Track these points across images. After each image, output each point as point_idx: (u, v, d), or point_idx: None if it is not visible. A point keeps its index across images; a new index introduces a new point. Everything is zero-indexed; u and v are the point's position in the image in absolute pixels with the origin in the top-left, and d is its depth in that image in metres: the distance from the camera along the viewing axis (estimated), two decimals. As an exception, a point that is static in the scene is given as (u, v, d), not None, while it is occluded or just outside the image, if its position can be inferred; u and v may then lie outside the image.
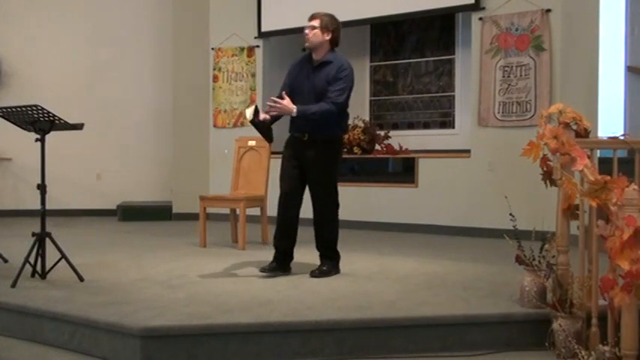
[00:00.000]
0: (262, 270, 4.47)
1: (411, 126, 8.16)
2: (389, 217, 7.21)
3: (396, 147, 7.40)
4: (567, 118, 3.36)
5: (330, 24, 4.36)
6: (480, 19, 6.69)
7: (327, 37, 4.35)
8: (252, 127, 4.45)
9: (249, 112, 4.30)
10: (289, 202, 4.45)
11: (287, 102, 4.21)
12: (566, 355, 3.10)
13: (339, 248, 4.54)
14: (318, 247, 4.51)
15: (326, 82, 4.29)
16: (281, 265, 4.50)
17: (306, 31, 4.39)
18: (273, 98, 4.25)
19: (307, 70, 4.42)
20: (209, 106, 8.52)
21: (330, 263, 4.47)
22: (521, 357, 3.24)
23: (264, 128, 4.38)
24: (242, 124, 8.19)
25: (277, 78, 7.74)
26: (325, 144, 4.35)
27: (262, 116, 4.33)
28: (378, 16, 7.48)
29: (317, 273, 4.39)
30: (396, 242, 6.25)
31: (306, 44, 4.39)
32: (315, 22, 4.36)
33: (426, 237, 6.66)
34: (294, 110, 4.21)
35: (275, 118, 4.41)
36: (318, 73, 4.36)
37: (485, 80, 6.65)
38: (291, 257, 4.59)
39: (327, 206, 4.43)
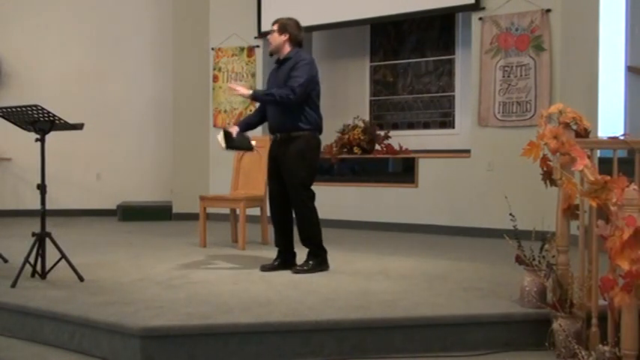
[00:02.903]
0: (262, 268, 4.62)
1: (411, 126, 8.16)
2: (389, 217, 7.21)
3: (396, 147, 7.40)
4: (567, 118, 3.36)
5: (288, 25, 4.61)
6: (480, 19, 6.69)
7: (285, 38, 4.59)
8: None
9: (222, 141, 4.56)
10: (273, 202, 4.70)
11: (239, 88, 4.57)
12: (566, 355, 3.10)
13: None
14: (302, 244, 4.63)
15: (285, 76, 4.49)
16: (282, 263, 4.66)
17: (268, 36, 4.70)
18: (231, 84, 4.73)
19: (274, 70, 4.71)
20: (209, 106, 8.52)
21: (314, 260, 4.58)
22: (521, 357, 3.24)
23: (242, 145, 4.70)
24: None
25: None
26: (294, 142, 4.50)
27: (233, 130, 4.61)
28: (378, 16, 7.48)
29: (298, 269, 4.53)
30: (396, 242, 6.25)
31: (270, 48, 4.70)
32: (274, 27, 4.64)
33: (426, 237, 6.66)
34: (250, 92, 4.56)
35: (245, 128, 4.72)
36: (280, 70, 4.61)
37: (486, 80, 6.65)
38: (293, 254, 4.70)
39: (297, 205, 4.55)
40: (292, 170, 4.49)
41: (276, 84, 4.56)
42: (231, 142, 4.58)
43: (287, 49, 4.59)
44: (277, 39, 4.58)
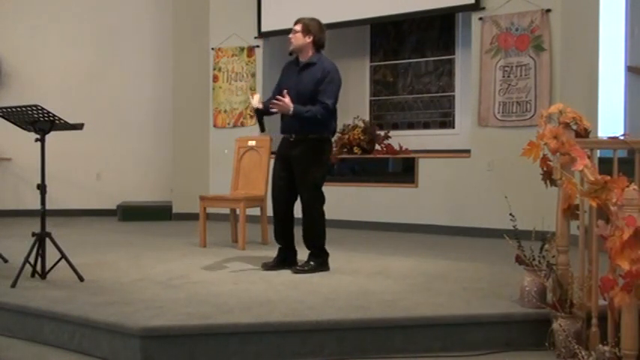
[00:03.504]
0: (264, 266, 4.66)
1: (411, 126, 8.16)
2: (389, 217, 7.21)
3: (396, 147, 7.40)
4: (567, 118, 3.36)
5: (312, 27, 4.51)
6: (480, 19, 6.69)
7: (309, 40, 4.50)
8: (253, 128, 4.56)
9: (256, 99, 4.52)
10: (277, 201, 4.66)
11: (287, 100, 4.34)
12: (566, 355, 3.10)
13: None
14: (305, 245, 4.63)
15: (311, 84, 4.43)
16: (283, 260, 4.68)
17: (290, 35, 4.56)
18: (277, 97, 4.41)
19: (294, 72, 4.60)
20: (209, 106, 8.52)
21: (315, 261, 4.58)
22: (521, 357, 3.24)
23: (261, 120, 4.60)
24: (242, 124, 8.20)
25: (277, 78, 7.76)
26: (310, 144, 4.48)
27: (260, 104, 4.56)
28: (378, 16, 7.48)
29: (298, 269, 4.53)
30: (396, 242, 6.25)
31: (291, 48, 4.58)
32: (297, 27, 4.53)
33: (426, 237, 6.66)
34: (291, 109, 4.34)
35: (266, 112, 4.60)
36: (303, 74, 4.52)
37: (486, 80, 6.66)
38: (294, 252, 4.72)
39: (308, 206, 4.54)
40: (308, 172, 4.48)
41: (300, 87, 4.44)
42: (260, 111, 4.52)
43: (310, 52, 4.52)
44: (300, 40, 4.49)
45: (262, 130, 4.69)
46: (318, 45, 4.54)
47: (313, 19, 4.56)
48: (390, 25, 8.18)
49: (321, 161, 4.54)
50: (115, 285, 4.09)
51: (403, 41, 8.27)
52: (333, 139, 4.88)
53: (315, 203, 4.53)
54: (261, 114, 4.56)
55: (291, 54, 4.65)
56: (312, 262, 4.57)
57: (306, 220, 4.56)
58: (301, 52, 4.53)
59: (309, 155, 4.48)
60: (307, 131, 4.46)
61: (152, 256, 5.27)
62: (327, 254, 4.65)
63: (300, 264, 4.61)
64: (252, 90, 8.12)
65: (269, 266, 4.64)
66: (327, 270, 4.60)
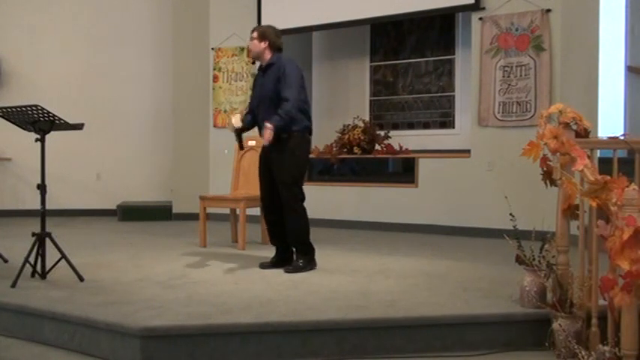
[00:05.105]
0: (262, 265, 4.73)
1: (411, 126, 8.16)
2: (389, 217, 7.21)
3: (396, 147, 7.40)
4: (567, 118, 3.36)
5: (267, 33, 4.71)
6: (480, 19, 6.69)
7: (265, 45, 4.70)
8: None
9: (236, 119, 4.72)
10: (265, 204, 4.79)
11: (266, 132, 4.40)
12: (566, 355, 3.10)
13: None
14: (290, 243, 4.69)
15: (272, 82, 4.59)
16: (281, 260, 4.72)
17: (248, 43, 4.81)
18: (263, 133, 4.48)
19: (259, 77, 4.80)
20: (209, 106, 8.52)
21: (304, 258, 4.63)
22: (521, 357, 3.25)
23: (240, 138, 4.83)
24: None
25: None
26: (284, 143, 4.54)
27: (240, 124, 4.73)
28: (378, 16, 7.48)
29: (290, 269, 4.57)
30: (396, 242, 6.25)
31: (251, 55, 4.83)
32: (254, 34, 4.74)
33: (426, 237, 6.65)
34: (271, 129, 4.40)
35: (244, 130, 4.80)
36: (265, 76, 4.70)
37: (485, 80, 6.65)
38: (291, 252, 4.75)
39: (289, 205, 4.59)
40: (284, 168, 4.55)
41: (263, 89, 4.65)
42: (239, 130, 4.73)
43: (268, 55, 4.69)
44: (257, 46, 4.68)
45: (241, 147, 4.95)
46: (274, 48, 4.70)
47: (269, 26, 4.81)
48: (390, 25, 8.18)
49: (296, 157, 4.58)
50: (115, 285, 4.09)
51: (403, 41, 8.27)
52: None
53: (295, 200, 4.59)
54: (240, 133, 4.76)
55: (253, 62, 4.94)
56: (300, 261, 4.62)
57: (288, 218, 4.62)
58: (261, 57, 4.72)
59: (284, 154, 4.55)
60: (279, 132, 4.50)
61: (152, 256, 5.27)
62: (313, 250, 4.71)
63: (291, 264, 4.65)
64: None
65: (265, 266, 4.71)
66: (314, 266, 4.67)
